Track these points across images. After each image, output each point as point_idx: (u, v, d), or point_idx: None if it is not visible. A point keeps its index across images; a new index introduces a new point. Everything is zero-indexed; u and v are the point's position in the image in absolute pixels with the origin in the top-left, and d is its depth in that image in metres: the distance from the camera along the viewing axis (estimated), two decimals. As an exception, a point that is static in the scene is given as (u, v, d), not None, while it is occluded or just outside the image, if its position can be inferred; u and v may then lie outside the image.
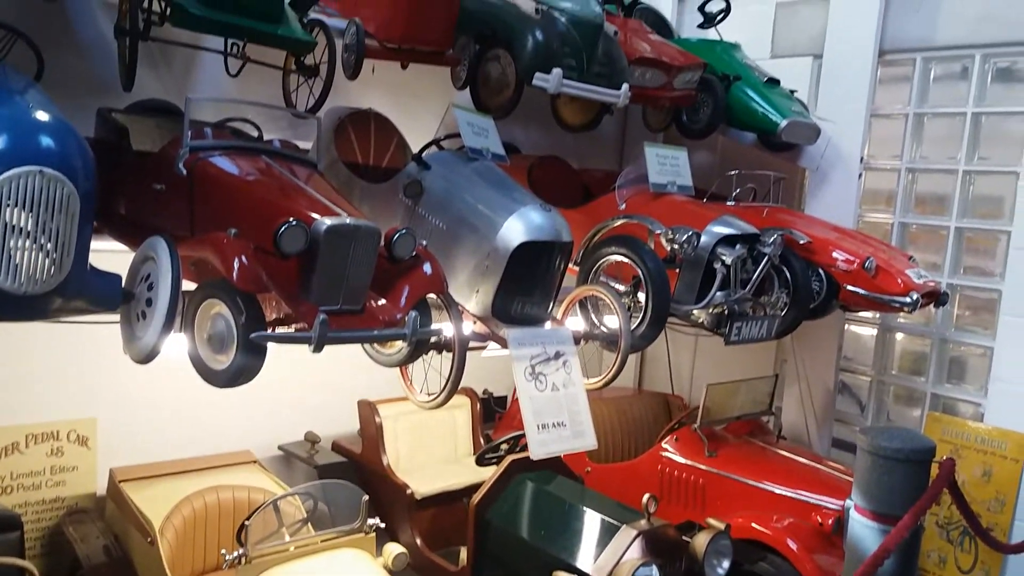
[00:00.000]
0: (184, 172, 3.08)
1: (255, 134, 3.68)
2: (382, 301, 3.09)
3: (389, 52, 4.02)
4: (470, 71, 4.29)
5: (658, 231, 4.09)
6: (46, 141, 2.30)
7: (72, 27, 3.94)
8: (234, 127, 3.52)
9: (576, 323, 4.10)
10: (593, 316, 4.10)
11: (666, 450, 5.11)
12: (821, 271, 4.74)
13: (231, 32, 3.40)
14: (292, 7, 3.73)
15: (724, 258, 4.11)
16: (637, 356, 6.84)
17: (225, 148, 3.21)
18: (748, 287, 4.23)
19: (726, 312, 4.16)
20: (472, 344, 3.49)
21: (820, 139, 5.51)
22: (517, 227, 3.43)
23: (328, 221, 2.83)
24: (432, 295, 3.25)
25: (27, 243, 2.27)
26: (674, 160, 4.60)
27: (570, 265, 3.93)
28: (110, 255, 3.04)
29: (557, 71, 4.06)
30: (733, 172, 5.11)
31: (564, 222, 3.58)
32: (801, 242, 4.66)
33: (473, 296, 3.53)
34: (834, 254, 4.69)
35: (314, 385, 5.09)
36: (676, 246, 4.05)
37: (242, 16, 3.33)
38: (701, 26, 5.73)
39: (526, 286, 3.53)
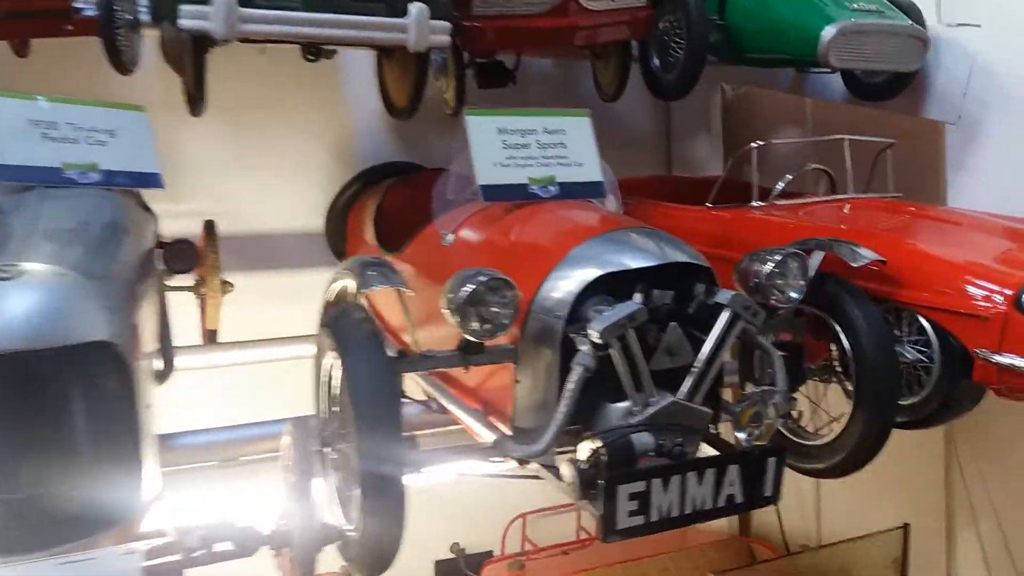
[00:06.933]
0: None
1: None
2: None
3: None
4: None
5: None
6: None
7: None
8: None
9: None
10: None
11: None
12: (925, 323, 2.18)
13: None
14: None
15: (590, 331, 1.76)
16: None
17: None
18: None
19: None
20: None
21: (956, 62, 2.86)
22: None
23: None
24: None
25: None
26: (550, 136, 2.29)
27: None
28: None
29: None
30: (756, 145, 2.72)
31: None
32: (854, 265, 2.14)
33: None
34: (953, 283, 2.15)
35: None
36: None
37: None
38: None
39: None
